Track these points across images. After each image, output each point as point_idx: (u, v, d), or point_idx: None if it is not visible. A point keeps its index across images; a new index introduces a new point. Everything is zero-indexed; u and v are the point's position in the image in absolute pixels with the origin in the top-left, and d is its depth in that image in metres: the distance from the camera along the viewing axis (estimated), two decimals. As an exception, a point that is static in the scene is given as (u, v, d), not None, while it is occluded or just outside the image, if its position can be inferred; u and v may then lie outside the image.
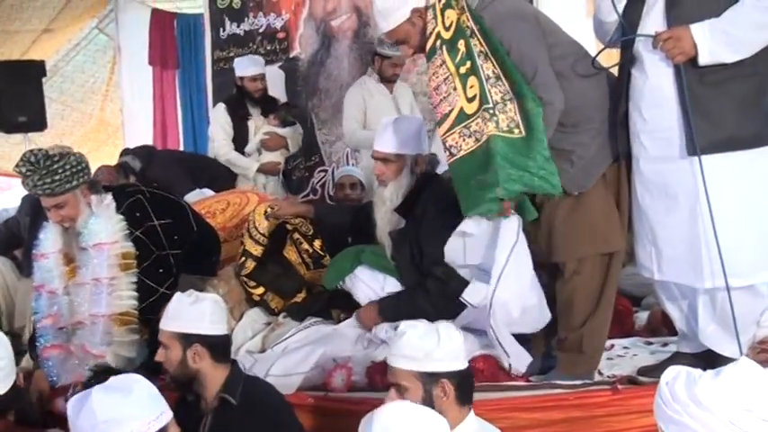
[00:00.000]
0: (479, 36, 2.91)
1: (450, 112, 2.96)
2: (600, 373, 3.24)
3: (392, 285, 3.56)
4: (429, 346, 2.29)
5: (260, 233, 3.85)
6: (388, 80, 5.34)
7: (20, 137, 7.90)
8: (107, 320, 3.44)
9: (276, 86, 6.55)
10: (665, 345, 3.57)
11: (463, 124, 2.93)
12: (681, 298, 3.07)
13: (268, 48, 6.68)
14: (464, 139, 2.94)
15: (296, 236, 3.93)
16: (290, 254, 3.93)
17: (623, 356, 3.51)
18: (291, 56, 6.56)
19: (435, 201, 3.37)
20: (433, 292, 3.29)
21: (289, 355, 3.35)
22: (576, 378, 3.13)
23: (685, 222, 2.87)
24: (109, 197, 3.53)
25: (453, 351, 2.34)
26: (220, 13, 6.96)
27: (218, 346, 2.79)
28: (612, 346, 3.59)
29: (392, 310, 3.39)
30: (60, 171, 3.33)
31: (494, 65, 2.89)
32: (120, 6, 8.69)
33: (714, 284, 2.84)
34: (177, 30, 8.59)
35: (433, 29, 2.97)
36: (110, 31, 9.18)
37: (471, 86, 2.90)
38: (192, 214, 3.81)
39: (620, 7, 2.92)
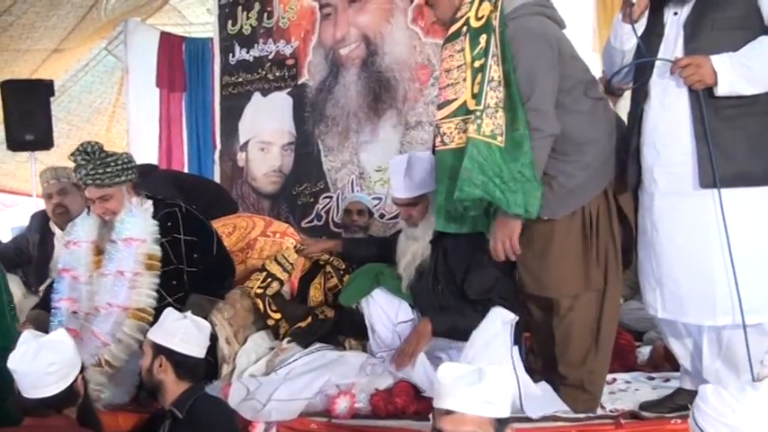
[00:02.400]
0: (498, 40, 2.91)
1: (454, 101, 2.98)
2: (602, 407, 3.24)
3: (405, 312, 3.58)
4: (502, 391, 2.18)
5: (288, 262, 3.96)
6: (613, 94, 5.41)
7: (26, 155, 7.92)
8: (121, 312, 3.55)
9: (284, 113, 6.63)
10: (667, 380, 3.59)
11: (461, 118, 2.95)
12: (686, 335, 3.07)
13: (277, 74, 6.72)
14: (459, 133, 2.97)
15: (328, 269, 4.00)
16: (315, 291, 3.99)
17: (625, 391, 3.52)
18: (300, 82, 6.58)
19: (467, 234, 3.30)
20: None
21: (293, 381, 3.37)
22: (578, 412, 3.13)
23: (695, 258, 2.86)
24: (149, 203, 3.71)
25: (507, 395, 2.24)
26: (230, 39, 7.02)
27: (184, 365, 2.95)
28: (614, 380, 3.61)
29: (445, 326, 3.37)
30: (112, 164, 3.56)
31: (501, 72, 2.89)
32: (129, 29, 8.74)
33: (727, 321, 2.83)
34: (185, 53, 8.63)
35: (465, 13, 3.00)
36: (118, 53, 9.24)
37: (478, 83, 2.91)
38: (216, 240, 3.94)
39: (629, 44, 2.97)
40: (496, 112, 2.85)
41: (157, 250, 3.64)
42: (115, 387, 3.52)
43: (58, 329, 2.94)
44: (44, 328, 3.62)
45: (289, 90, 6.65)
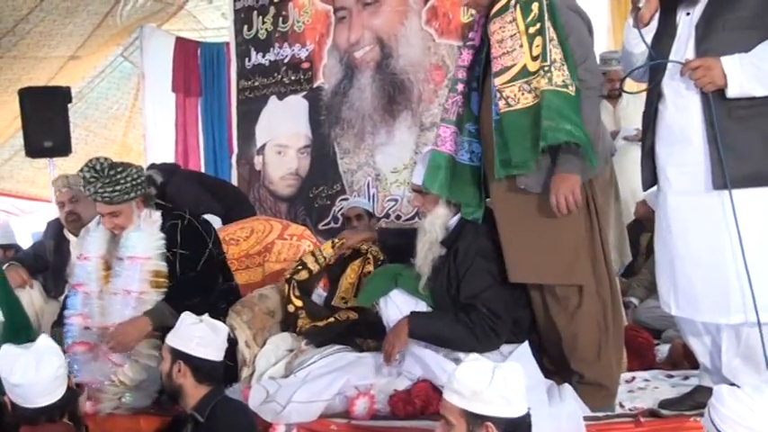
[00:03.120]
0: (548, 8, 3.03)
1: (513, 66, 3.07)
2: (621, 406, 3.24)
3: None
4: (479, 385, 2.21)
5: (323, 256, 3.97)
6: (609, 96, 5.52)
7: (44, 161, 7.98)
8: None
9: (300, 116, 6.66)
10: (686, 378, 3.58)
11: (524, 80, 3.04)
12: (704, 333, 3.05)
13: (292, 77, 6.76)
14: (523, 94, 3.05)
15: (369, 255, 4.01)
16: (350, 274, 4.00)
17: (644, 389, 3.51)
18: (315, 86, 6.62)
19: (476, 240, 3.35)
20: (479, 324, 3.24)
21: (312, 382, 3.37)
22: (596, 410, 3.12)
23: (708, 257, 2.86)
24: (157, 214, 3.70)
25: (506, 395, 2.22)
26: (246, 44, 7.08)
27: (202, 369, 2.98)
28: (633, 378, 3.61)
29: (425, 329, 3.35)
30: (122, 182, 3.53)
31: (557, 33, 3.01)
32: (145, 34, 8.81)
33: (740, 320, 2.82)
34: (201, 58, 8.70)
35: None
36: (134, 59, 9.32)
37: (537, 46, 3.02)
38: (206, 257, 3.77)
39: (648, 39, 2.97)
40: (563, 65, 2.97)
41: (163, 266, 3.63)
42: (137, 391, 3.55)
43: (41, 335, 2.93)
44: None
45: (304, 93, 6.70)
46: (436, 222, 3.46)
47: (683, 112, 2.88)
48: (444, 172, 3.34)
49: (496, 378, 2.21)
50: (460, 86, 3.37)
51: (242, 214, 5.28)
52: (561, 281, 3.15)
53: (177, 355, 2.99)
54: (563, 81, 2.95)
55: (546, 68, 2.97)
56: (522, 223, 3.16)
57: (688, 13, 2.90)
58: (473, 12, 5.61)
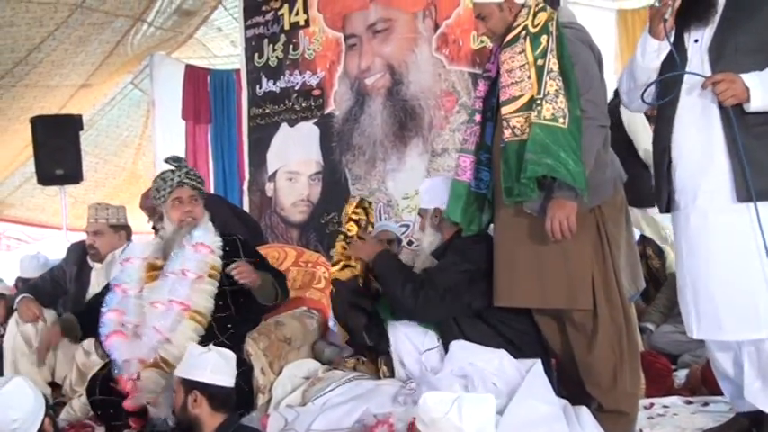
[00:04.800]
0: (556, 38, 3.09)
1: (520, 96, 3.13)
2: (641, 432, 3.23)
3: (431, 340, 3.56)
4: (436, 413, 2.29)
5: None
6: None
7: (55, 189, 8.02)
8: (181, 311, 3.61)
9: (311, 143, 6.70)
10: (706, 404, 3.56)
11: (531, 111, 3.08)
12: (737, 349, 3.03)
13: (303, 105, 6.80)
14: (529, 125, 3.08)
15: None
16: None
17: (664, 415, 3.49)
18: (326, 113, 6.65)
19: (454, 245, 3.57)
20: (411, 283, 3.42)
21: (331, 411, 3.37)
22: (617, 437, 3.12)
23: (734, 273, 2.85)
24: (211, 224, 3.89)
25: (459, 427, 2.30)
26: (257, 71, 7.12)
27: (217, 396, 2.99)
28: (652, 404, 3.60)
29: (383, 265, 3.58)
30: (198, 174, 3.90)
31: (560, 64, 3.05)
32: (155, 63, 8.86)
33: None
34: (210, 85, 8.72)
35: (522, 22, 3.18)
36: (144, 87, 9.38)
37: (539, 78, 3.09)
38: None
39: (662, 57, 2.98)
40: (557, 98, 3.01)
41: (219, 264, 3.74)
42: (163, 399, 3.52)
43: (14, 377, 2.95)
44: (72, 333, 3.92)
45: (315, 120, 6.73)
46: (425, 240, 3.71)
47: (703, 131, 2.90)
48: (464, 200, 3.44)
49: (453, 409, 2.30)
50: (477, 117, 3.45)
51: (255, 241, 5.29)
52: (563, 305, 3.17)
53: (191, 385, 2.99)
54: (552, 114, 2.99)
55: (538, 102, 3.03)
56: (525, 247, 3.18)
57: (696, 40, 2.93)
58: (483, 39, 5.72)
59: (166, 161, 3.89)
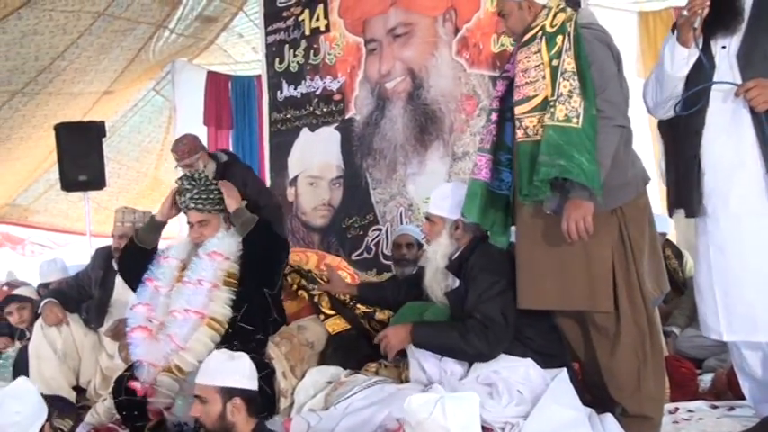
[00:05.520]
0: (572, 38, 3.07)
1: (534, 96, 3.13)
2: (667, 438, 3.21)
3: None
4: (421, 415, 2.31)
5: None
6: None
7: (79, 195, 8.08)
8: (197, 319, 3.64)
9: (332, 147, 6.71)
10: (732, 408, 3.53)
11: (544, 112, 3.07)
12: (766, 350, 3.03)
13: (324, 109, 6.82)
14: (542, 126, 3.07)
15: (359, 312, 4.18)
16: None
17: (689, 420, 3.47)
18: (347, 117, 6.67)
19: (480, 258, 3.45)
20: (472, 330, 3.29)
21: (353, 415, 3.37)
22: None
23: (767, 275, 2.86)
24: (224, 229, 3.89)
25: (445, 426, 2.32)
26: (278, 77, 7.15)
27: (254, 401, 3.00)
28: (677, 409, 3.57)
29: (425, 337, 3.41)
30: (215, 192, 3.85)
31: (576, 64, 3.03)
32: (176, 69, 8.93)
33: None
34: (231, 91, 8.79)
35: (540, 22, 3.18)
36: (166, 93, 9.46)
37: (553, 79, 3.08)
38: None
39: (686, 70, 2.97)
40: (570, 98, 3.00)
41: (236, 269, 3.77)
42: (184, 398, 3.52)
43: (20, 378, 2.98)
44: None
45: (336, 125, 6.75)
46: (438, 251, 3.59)
47: (733, 136, 2.91)
48: (480, 199, 3.39)
49: (437, 409, 2.32)
50: (494, 116, 3.42)
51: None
52: (584, 306, 3.15)
53: (231, 392, 2.95)
54: (565, 115, 2.98)
55: (551, 103, 3.02)
56: (544, 248, 3.17)
57: (723, 47, 2.92)
58: (503, 42, 5.71)
59: (180, 179, 3.91)
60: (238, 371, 3.00)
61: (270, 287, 3.90)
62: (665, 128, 3.22)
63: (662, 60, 3.07)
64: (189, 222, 3.87)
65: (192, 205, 3.81)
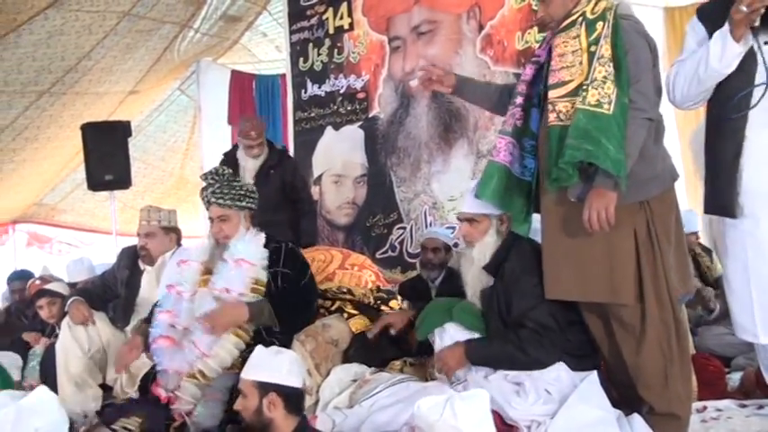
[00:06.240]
0: (611, 26, 3.05)
1: (569, 81, 3.10)
2: (695, 436, 3.18)
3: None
4: (432, 418, 2.32)
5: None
6: None
7: (105, 194, 8.16)
8: None
9: (356, 146, 6.72)
10: (761, 407, 3.49)
11: (579, 97, 3.05)
12: None
13: (348, 108, 6.83)
14: (575, 110, 3.05)
15: (383, 312, 4.23)
16: None
17: (717, 419, 3.43)
18: (371, 115, 6.69)
19: (520, 260, 3.40)
20: (527, 340, 3.26)
21: (379, 413, 3.36)
22: (670, 440, 3.07)
23: None
24: (262, 235, 3.87)
25: (456, 426, 2.32)
26: (302, 75, 7.18)
27: (292, 398, 2.94)
28: (705, 407, 3.54)
29: (480, 355, 3.38)
30: (237, 187, 3.82)
31: (613, 51, 3.01)
32: (201, 68, 8.99)
33: None
34: (256, 90, 8.83)
35: (581, 9, 3.15)
36: (191, 92, 9.52)
37: (590, 64, 3.06)
38: (307, 278, 3.99)
39: (735, 66, 2.90)
40: (604, 83, 2.97)
41: (264, 276, 3.75)
42: (205, 404, 3.55)
43: (40, 387, 2.96)
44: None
45: (360, 123, 6.77)
46: (486, 252, 3.51)
47: None
48: (497, 181, 3.36)
49: (447, 410, 2.33)
50: (519, 99, 3.38)
51: (308, 242, 5.31)
52: (604, 299, 3.11)
53: (267, 387, 2.92)
54: (597, 100, 2.95)
55: (585, 86, 3.00)
56: (567, 237, 3.14)
57: (766, 42, 2.86)
58: (528, 39, 5.68)
59: (204, 175, 3.90)
60: (277, 366, 2.95)
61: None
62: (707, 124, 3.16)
63: (705, 55, 2.97)
64: (210, 218, 3.86)
65: (213, 199, 3.78)
